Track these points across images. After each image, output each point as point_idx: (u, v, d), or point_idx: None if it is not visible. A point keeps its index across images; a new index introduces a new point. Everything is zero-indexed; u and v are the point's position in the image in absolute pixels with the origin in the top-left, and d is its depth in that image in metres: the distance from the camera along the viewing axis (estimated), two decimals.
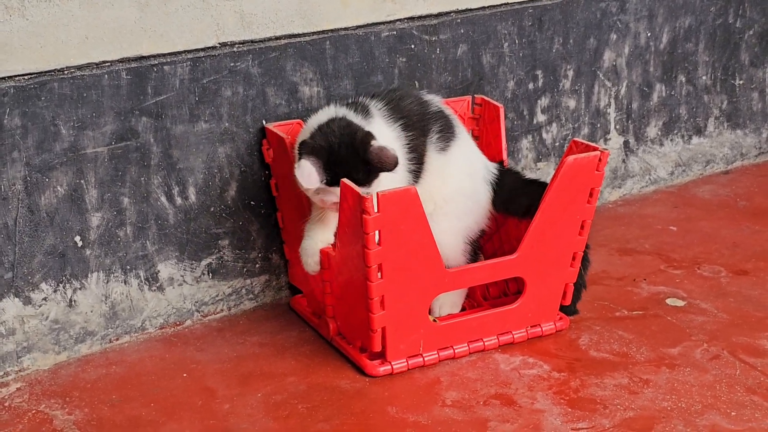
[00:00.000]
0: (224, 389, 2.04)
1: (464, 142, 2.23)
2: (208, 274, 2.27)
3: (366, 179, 2.01)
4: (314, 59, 2.29)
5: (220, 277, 2.29)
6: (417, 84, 2.44)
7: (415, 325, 2.07)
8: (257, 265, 2.33)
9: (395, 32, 2.39)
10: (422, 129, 2.15)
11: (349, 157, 2.00)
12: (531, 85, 2.64)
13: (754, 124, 3.16)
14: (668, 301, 2.37)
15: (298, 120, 2.23)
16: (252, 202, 2.28)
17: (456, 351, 2.14)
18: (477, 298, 2.33)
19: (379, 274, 1.98)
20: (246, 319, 2.30)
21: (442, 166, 2.17)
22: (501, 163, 2.30)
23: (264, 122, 2.24)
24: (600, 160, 2.13)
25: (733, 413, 1.96)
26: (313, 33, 2.29)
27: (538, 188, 2.17)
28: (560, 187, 2.11)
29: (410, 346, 2.09)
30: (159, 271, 2.21)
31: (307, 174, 1.97)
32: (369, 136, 2.01)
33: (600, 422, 1.93)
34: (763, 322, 2.27)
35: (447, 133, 2.18)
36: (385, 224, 1.94)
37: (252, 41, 2.22)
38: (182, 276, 2.24)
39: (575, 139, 2.18)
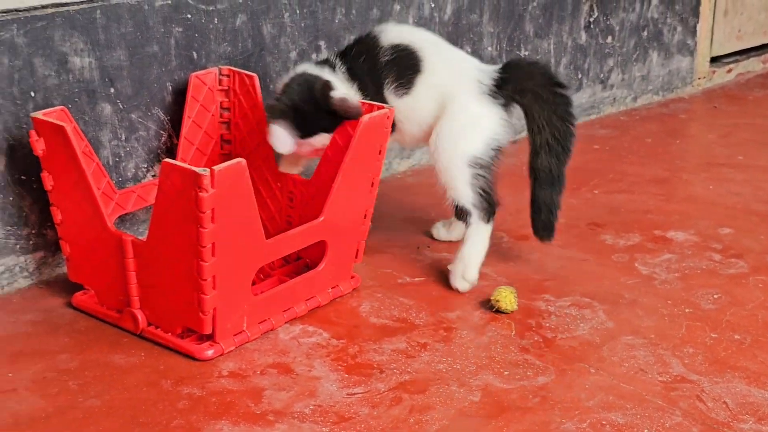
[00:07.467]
0: None
1: (431, 73, 2.27)
2: None
3: (334, 126, 2.17)
4: (84, 29, 2.22)
5: None
6: (195, 55, 2.40)
7: (240, 301, 2.03)
8: (31, 242, 2.25)
9: (170, 1, 2.34)
10: (376, 84, 2.26)
11: (313, 110, 2.15)
12: (314, 56, 2.63)
13: None
14: (450, 266, 2.39)
15: (62, 107, 2.14)
16: (23, 177, 2.21)
17: (273, 323, 2.12)
18: (264, 270, 2.29)
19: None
20: (20, 298, 2.23)
21: (410, 107, 2.27)
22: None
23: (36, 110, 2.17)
24: (387, 117, 2.15)
25: (506, 372, 1.99)
26: (82, 2, 2.22)
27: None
28: (357, 146, 2.12)
29: (235, 324, 2.05)
30: None
31: (280, 139, 2.14)
32: (327, 86, 2.15)
33: (376, 386, 1.94)
34: (540, 284, 2.32)
35: (404, 78, 2.26)
36: (219, 201, 1.89)
37: (17, 10, 2.15)
38: None
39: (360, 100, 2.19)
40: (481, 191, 2.26)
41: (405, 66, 2.28)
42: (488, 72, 2.29)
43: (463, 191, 2.25)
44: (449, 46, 2.38)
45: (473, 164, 2.24)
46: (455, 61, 2.33)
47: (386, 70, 2.28)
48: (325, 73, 2.24)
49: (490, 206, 2.28)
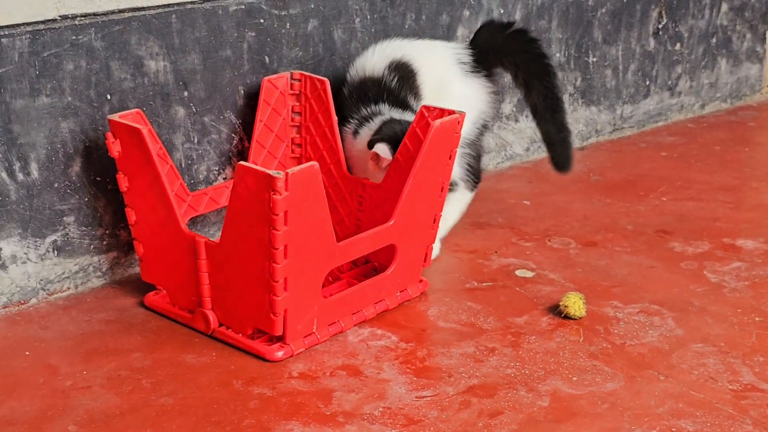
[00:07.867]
0: (67, 366, 2.01)
1: (426, 73, 2.44)
2: (54, 251, 2.23)
3: None
4: (160, 33, 2.26)
5: (66, 254, 2.25)
6: (267, 59, 2.42)
7: (310, 303, 2.05)
8: (105, 242, 2.29)
9: (243, 6, 2.37)
10: (402, 105, 2.40)
11: None
12: None
13: (609, 101, 3.22)
14: (518, 272, 2.40)
15: (138, 109, 2.17)
16: (98, 178, 2.25)
17: (343, 325, 2.14)
18: (333, 273, 2.31)
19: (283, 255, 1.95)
20: (93, 297, 2.27)
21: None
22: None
23: (111, 111, 2.20)
24: (458, 122, 2.17)
25: (574, 378, 1.99)
26: (158, 6, 2.26)
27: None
28: (428, 151, 2.14)
29: (306, 326, 2.07)
30: (1, 249, 2.16)
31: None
32: None
33: (444, 390, 1.95)
34: (608, 291, 2.32)
35: (412, 84, 2.43)
36: (292, 203, 1.91)
37: (94, 14, 2.19)
38: (26, 254, 2.20)
39: (425, 104, 2.21)
40: (468, 166, 2.49)
41: (407, 76, 2.42)
42: (465, 51, 2.49)
43: (453, 169, 2.40)
44: (426, 41, 2.59)
45: (462, 145, 2.41)
46: (437, 51, 2.49)
47: (397, 88, 2.41)
48: (405, 115, 2.37)
49: (476, 178, 2.52)
